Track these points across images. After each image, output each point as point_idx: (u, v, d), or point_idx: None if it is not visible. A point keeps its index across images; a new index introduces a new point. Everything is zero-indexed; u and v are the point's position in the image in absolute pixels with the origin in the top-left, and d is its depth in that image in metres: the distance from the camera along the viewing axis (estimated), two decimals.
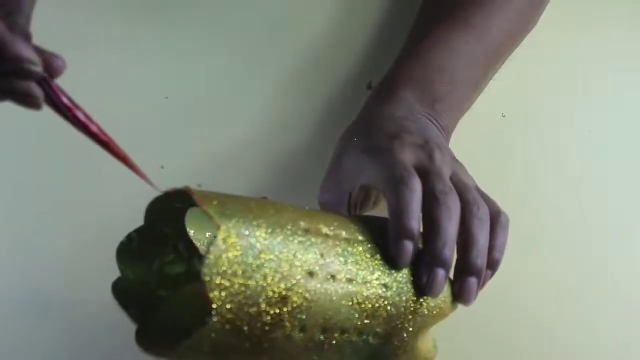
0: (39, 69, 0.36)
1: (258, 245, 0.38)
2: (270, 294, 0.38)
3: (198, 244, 0.43)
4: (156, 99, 0.63)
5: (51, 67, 0.37)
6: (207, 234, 0.43)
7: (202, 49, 0.66)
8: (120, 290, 0.42)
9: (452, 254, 0.44)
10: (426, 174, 0.46)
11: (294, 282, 0.39)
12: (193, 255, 0.44)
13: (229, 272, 0.37)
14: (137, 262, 0.43)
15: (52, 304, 0.53)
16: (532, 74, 0.65)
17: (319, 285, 0.40)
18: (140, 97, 0.63)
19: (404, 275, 0.43)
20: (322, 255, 0.40)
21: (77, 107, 0.38)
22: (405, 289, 0.43)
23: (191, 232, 0.43)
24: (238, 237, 0.37)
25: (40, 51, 0.36)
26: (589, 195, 0.60)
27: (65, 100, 0.37)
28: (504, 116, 0.63)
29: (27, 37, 0.36)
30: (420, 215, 0.44)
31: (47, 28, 0.41)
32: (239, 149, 0.61)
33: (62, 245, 0.56)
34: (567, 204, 0.59)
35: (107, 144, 0.38)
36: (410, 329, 0.43)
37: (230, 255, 0.37)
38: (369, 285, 0.42)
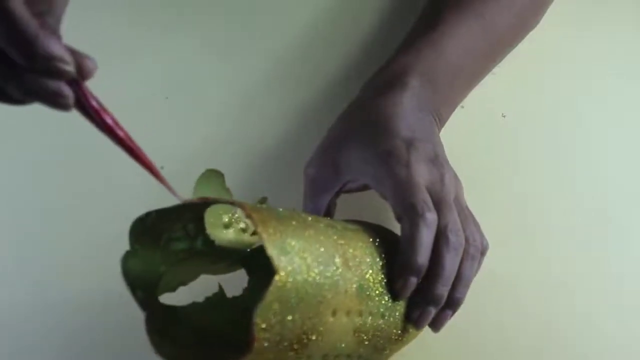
0: (70, 67, 0.34)
1: (300, 284, 0.39)
2: (299, 332, 0.39)
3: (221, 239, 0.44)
4: (156, 99, 0.63)
5: (82, 68, 0.35)
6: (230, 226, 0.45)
7: (201, 49, 0.66)
8: (128, 271, 0.42)
9: (447, 292, 0.46)
10: (438, 202, 0.47)
11: (320, 321, 0.40)
12: (198, 235, 0.45)
13: (275, 312, 0.37)
14: (147, 238, 0.43)
15: (60, 306, 0.53)
16: (532, 74, 0.65)
17: (336, 322, 0.41)
18: (140, 97, 0.63)
19: (399, 305, 0.45)
20: (345, 292, 0.41)
21: (105, 110, 0.36)
22: (397, 318, 0.45)
23: (209, 227, 0.44)
24: (288, 278, 0.38)
25: (71, 51, 0.35)
26: (589, 195, 0.60)
27: (94, 103, 0.36)
28: (504, 116, 0.63)
29: (58, 37, 0.35)
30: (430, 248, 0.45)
31: None
32: (239, 148, 0.60)
33: (70, 246, 0.56)
34: (567, 203, 0.59)
35: (132, 150, 0.37)
36: (387, 352, 0.46)
37: (281, 295, 0.38)
38: (372, 317, 0.43)
